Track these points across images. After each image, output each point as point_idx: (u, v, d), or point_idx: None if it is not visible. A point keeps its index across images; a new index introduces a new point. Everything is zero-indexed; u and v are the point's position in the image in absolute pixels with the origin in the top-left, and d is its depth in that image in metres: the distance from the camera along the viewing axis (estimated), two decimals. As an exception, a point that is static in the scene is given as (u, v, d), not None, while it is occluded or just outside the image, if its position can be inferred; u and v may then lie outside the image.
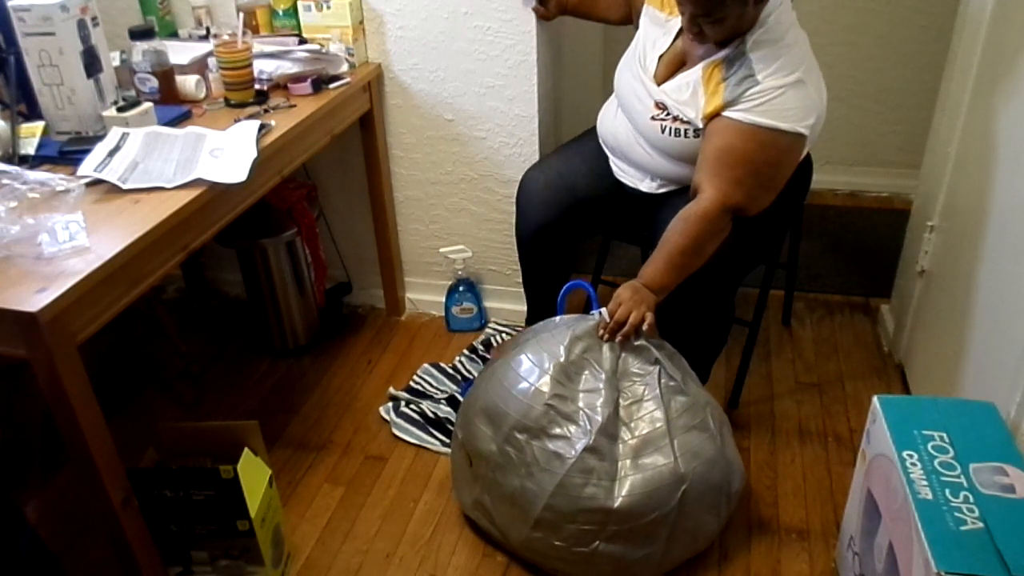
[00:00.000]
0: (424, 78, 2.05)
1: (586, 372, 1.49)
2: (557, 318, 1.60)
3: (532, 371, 1.51)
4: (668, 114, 1.58)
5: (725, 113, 1.49)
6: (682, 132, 1.57)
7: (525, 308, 2.12)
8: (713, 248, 1.53)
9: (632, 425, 1.46)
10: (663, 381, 1.49)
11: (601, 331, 1.51)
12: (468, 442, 1.58)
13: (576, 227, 1.83)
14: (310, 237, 2.15)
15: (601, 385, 1.47)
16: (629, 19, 1.83)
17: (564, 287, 1.65)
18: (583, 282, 1.67)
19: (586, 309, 1.61)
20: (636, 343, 1.51)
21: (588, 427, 1.44)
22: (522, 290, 2.15)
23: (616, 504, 1.41)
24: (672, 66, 1.61)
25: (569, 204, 1.79)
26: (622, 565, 1.46)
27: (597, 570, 1.48)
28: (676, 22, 1.61)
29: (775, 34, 1.48)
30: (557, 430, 1.46)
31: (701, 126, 1.53)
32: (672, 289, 1.55)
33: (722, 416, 1.56)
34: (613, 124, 1.74)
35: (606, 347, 1.50)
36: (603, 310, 1.53)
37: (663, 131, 1.59)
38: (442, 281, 2.33)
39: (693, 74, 1.55)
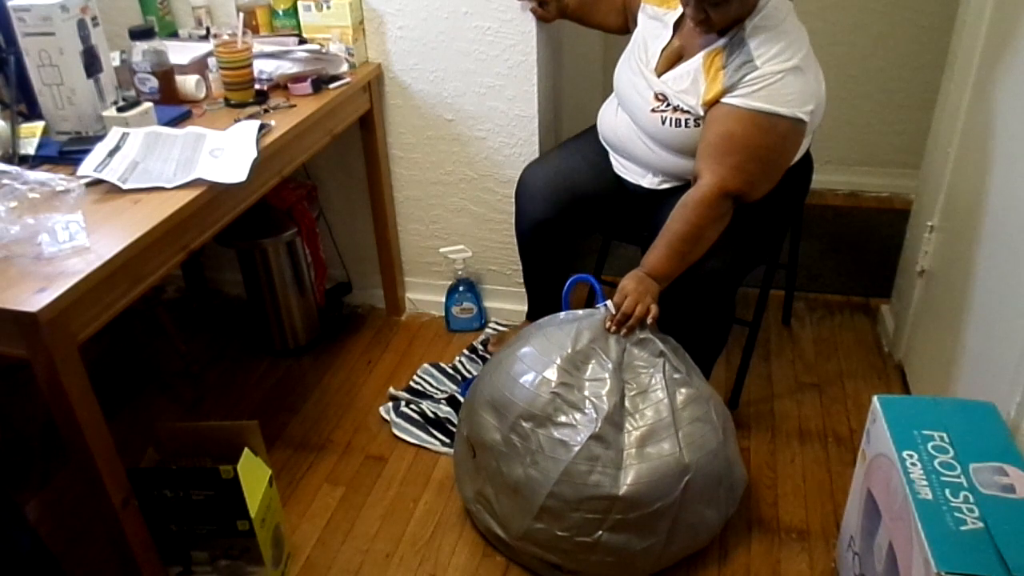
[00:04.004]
0: (424, 78, 2.05)
1: (592, 362, 1.50)
2: (562, 313, 1.61)
3: (539, 361, 1.52)
4: (668, 105, 1.59)
5: (724, 99, 1.50)
6: (683, 122, 1.57)
7: (525, 308, 2.13)
8: (714, 235, 1.54)
9: (637, 415, 1.47)
10: (668, 373, 1.50)
11: (608, 323, 1.52)
12: (473, 433, 1.58)
13: (575, 223, 1.83)
14: (310, 237, 2.15)
15: (607, 375, 1.48)
16: (625, 28, 1.84)
17: (569, 281, 1.66)
18: (588, 276, 1.67)
19: (589, 302, 1.61)
20: (641, 336, 1.52)
21: (594, 415, 1.44)
22: (522, 290, 2.15)
23: (621, 491, 1.41)
24: (672, 59, 1.62)
25: (568, 200, 1.79)
26: (624, 557, 1.47)
27: (599, 561, 1.48)
28: (673, 15, 1.63)
29: (773, 20, 1.49)
30: (563, 418, 1.46)
31: (702, 114, 1.54)
32: (675, 277, 1.55)
33: (725, 411, 1.56)
34: (614, 121, 1.75)
35: (612, 339, 1.52)
36: (609, 303, 1.54)
37: (664, 123, 1.60)
38: (442, 281, 2.33)
39: (694, 63, 1.56)
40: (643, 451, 1.44)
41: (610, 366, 1.49)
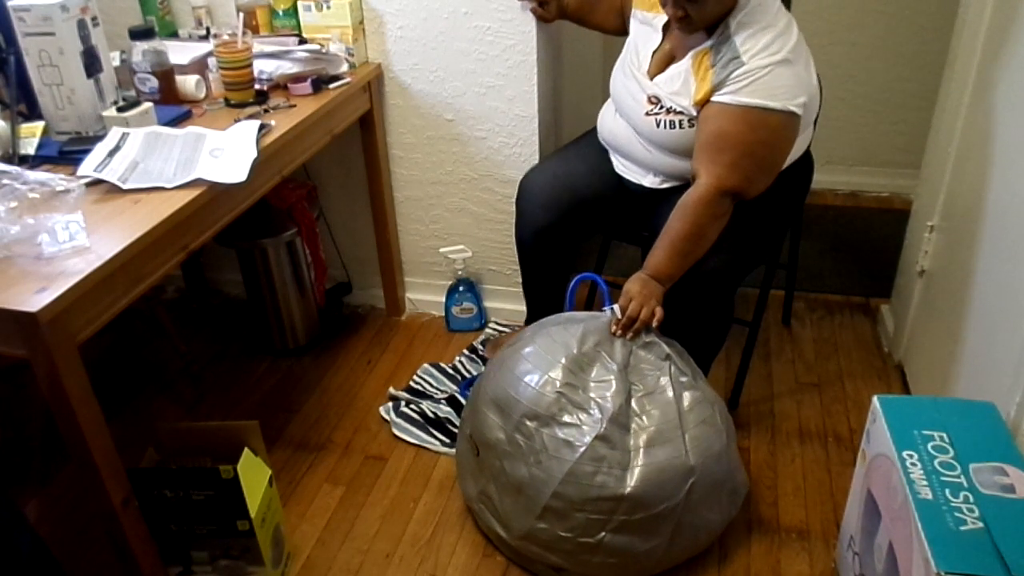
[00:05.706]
0: (424, 78, 2.05)
1: (597, 364, 1.50)
2: (565, 313, 1.61)
3: (543, 360, 1.52)
4: (662, 107, 1.59)
5: (714, 98, 1.50)
6: (677, 124, 1.58)
7: (525, 308, 2.13)
8: (715, 233, 1.54)
9: (644, 416, 1.47)
10: (675, 375, 1.50)
11: (614, 327, 1.52)
12: (476, 431, 1.58)
13: (576, 228, 1.83)
14: (310, 237, 2.15)
15: (612, 377, 1.48)
16: (624, 29, 1.84)
17: (574, 279, 1.66)
18: (594, 275, 1.67)
19: (590, 300, 1.61)
20: (647, 339, 1.52)
21: (599, 416, 1.44)
22: (522, 290, 2.15)
23: (627, 491, 1.41)
24: (663, 62, 1.62)
25: (569, 206, 1.79)
26: (626, 558, 1.47)
27: (600, 563, 1.48)
28: (661, 19, 1.63)
29: (759, 15, 1.49)
30: (568, 418, 1.46)
31: (695, 114, 1.54)
32: (677, 277, 1.56)
33: (728, 416, 1.56)
34: (612, 124, 1.75)
35: (618, 342, 1.52)
36: (615, 307, 1.54)
37: (658, 125, 1.60)
38: (442, 281, 2.33)
39: (683, 64, 1.56)
40: (649, 452, 1.44)
41: (615, 368, 1.48)
